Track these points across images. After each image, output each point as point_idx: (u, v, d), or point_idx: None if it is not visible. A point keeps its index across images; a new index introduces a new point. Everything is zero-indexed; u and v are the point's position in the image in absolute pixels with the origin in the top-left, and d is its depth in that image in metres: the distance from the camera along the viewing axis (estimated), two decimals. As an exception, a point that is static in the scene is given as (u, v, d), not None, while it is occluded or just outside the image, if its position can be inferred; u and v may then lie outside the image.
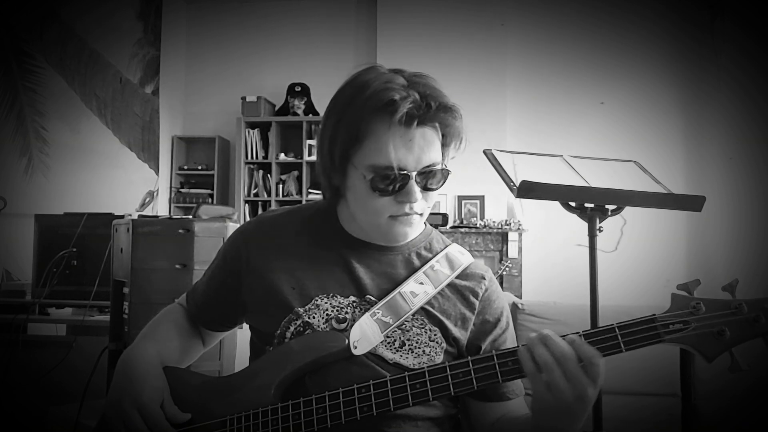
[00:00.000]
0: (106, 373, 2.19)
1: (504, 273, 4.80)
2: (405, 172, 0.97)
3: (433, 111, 0.96)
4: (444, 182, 1.02)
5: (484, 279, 1.11)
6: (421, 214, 1.03)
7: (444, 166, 1.02)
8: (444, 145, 1.02)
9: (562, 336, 0.88)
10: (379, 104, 0.95)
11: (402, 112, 0.94)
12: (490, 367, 0.91)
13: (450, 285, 1.08)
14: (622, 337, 0.88)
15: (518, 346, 0.90)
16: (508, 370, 0.90)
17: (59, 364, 2.57)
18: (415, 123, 0.96)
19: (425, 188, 1.00)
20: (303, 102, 5.57)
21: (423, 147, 0.97)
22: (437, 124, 0.99)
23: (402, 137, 0.96)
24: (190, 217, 2.26)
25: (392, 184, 0.97)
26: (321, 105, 5.56)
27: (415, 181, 0.98)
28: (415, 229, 1.05)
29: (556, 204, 1.55)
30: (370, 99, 0.95)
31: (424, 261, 1.09)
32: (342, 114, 0.99)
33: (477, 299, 1.08)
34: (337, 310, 1.03)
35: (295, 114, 5.58)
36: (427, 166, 0.99)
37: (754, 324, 0.85)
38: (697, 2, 5.21)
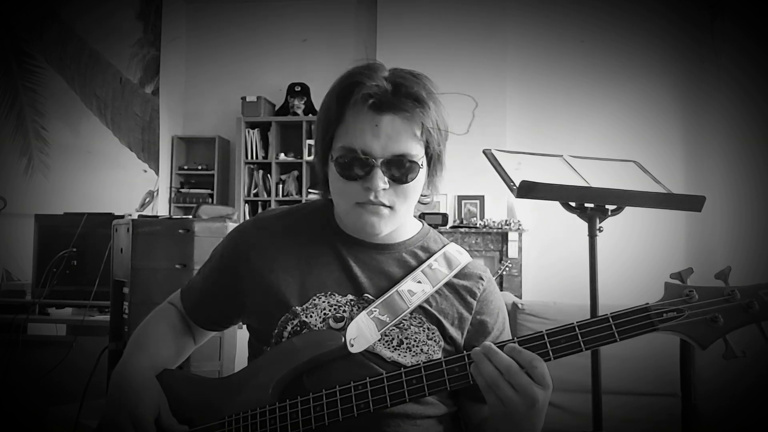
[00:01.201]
0: (106, 373, 2.19)
1: (504, 273, 4.80)
2: (370, 157, 0.97)
3: (398, 98, 0.97)
4: (416, 177, 1.00)
5: (482, 279, 1.10)
6: (391, 207, 1.01)
7: (420, 163, 1.00)
8: (428, 142, 1.01)
9: (500, 344, 0.89)
10: (345, 86, 0.99)
11: (362, 92, 0.96)
12: None
13: (448, 284, 1.08)
14: (616, 327, 0.88)
15: (539, 333, 0.91)
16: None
17: (59, 364, 2.57)
18: (381, 108, 0.97)
19: (394, 179, 0.99)
20: (303, 102, 5.57)
21: (391, 135, 0.97)
22: (410, 115, 0.98)
23: (369, 122, 0.97)
24: (190, 217, 2.26)
25: (357, 168, 0.98)
26: (321, 105, 5.56)
27: (381, 169, 0.98)
28: (385, 222, 1.02)
29: (556, 204, 1.55)
30: (341, 82, 1.00)
31: (421, 260, 1.09)
32: (324, 102, 1.03)
33: (475, 299, 1.08)
34: (334, 309, 1.03)
35: (295, 114, 5.58)
36: (396, 155, 0.98)
37: (748, 310, 0.85)
38: (697, 2, 5.20)
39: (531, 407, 0.86)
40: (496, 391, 0.87)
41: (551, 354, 0.89)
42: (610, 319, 0.88)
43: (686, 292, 0.88)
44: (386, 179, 0.98)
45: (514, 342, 0.90)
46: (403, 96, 0.97)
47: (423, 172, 1.02)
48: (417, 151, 1.00)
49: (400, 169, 0.99)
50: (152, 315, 1.21)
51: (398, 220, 1.05)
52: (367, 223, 1.01)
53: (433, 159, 1.03)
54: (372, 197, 0.99)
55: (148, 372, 1.06)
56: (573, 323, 0.89)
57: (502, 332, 1.10)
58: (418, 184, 1.02)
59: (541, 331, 0.90)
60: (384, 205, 1.00)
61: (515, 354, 0.87)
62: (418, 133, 0.99)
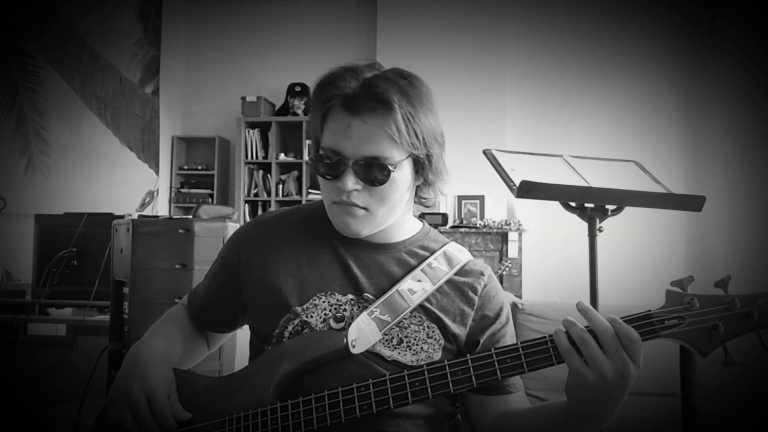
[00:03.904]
0: (106, 373, 2.19)
1: (504, 273, 4.80)
2: (342, 158, 0.98)
3: (364, 100, 0.96)
4: (386, 180, 0.99)
5: (483, 275, 1.10)
6: (365, 209, 1.01)
7: (395, 166, 0.98)
8: (410, 144, 0.99)
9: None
10: (320, 85, 1.00)
11: (332, 93, 0.98)
12: (489, 364, 0.91)
13: (449, 282, 1.08)
14: None
15: (543, 337, 0.90)
16: (507, 366, 0.90)
17: (59, 364, 2.57)
18: (352, 110, 0.97)
19: (366, 181, 0.99)
20: (303, 102, 5.57)
21: (362, 137, 0.97)
22: (378, 119, 0.97)
23: (341, 123, 0.98)
24: (190, 217, 2.26)
25: (331, 168, 1.00)
26: (321, 105, 5.55)
27: (353, 170, 0.98)
28: (360, 223, 1.02)
29: (556, 204, 1.55)
30: (319, 81, 1.01)
31: (421, 259, 1.09)
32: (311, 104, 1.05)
33: (476, 295, 1.08)
34: (335, 309, 1.03)
35: (295, 114, 5.58)
36: (367, 158, 0.98)
37: (747, 319, 0.86)
38: (697, 2, 5.21)
39: (619, 375, 0.84)
40: (585, 350, 0.85)
41: (554, 359, 0.89)
42: None
43: (687, 300, 0.88)
44: (358, 181, 0.99)
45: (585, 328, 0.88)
46: (369, 98, 0.96)
47: (403, 175, 1.01)
48: (392, 154, 0.98)
49: (369, 172, 0.99)
50: (165, 315, 1.21)
51: (377, 222, 1.04)
52: (342, 223, 1.03)
53: (421, 162, 1.02)
54: (344, 197, 1.00)
55: (163, 352, 1.07)
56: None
57: (504, 326, 1.09)
58: (395, 186, 1.01)
59: (545, 336, 0.90)
60: (357, 206, 1.01)
61: (614, 324, 0.86)
62: (396, 135, 0.97)
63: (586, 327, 0.87)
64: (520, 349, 0.90)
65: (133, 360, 1.05)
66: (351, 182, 0.98)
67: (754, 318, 0.86)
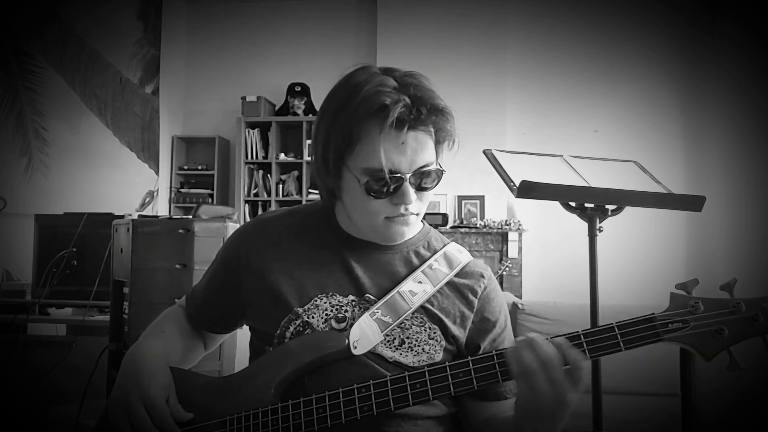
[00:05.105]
0: (106, 373, 2.19)
1: (504, 273, 4.80)
2: (398, 174, 0.97)
3: (424, 115, 0.96)
4: (438, 181, 1.02)
5: (483, 277, 1.11)
6: (417, 214, 1.03)
7: (438, 166, 1.01)
8: (437, 143, 1.02)
9: (553, 337, 0.89)
10: (370, 109, 0.94)
11: (393, 117, 0.93)
12: (490, 366, 0.91)
13: (449, 283, 1.08)
14: (621, 337, 0.88)
15: (507, 348, 0.91)
16: (508, 369, 0.90)
17: (59, 364, 2.57)
18: (407, 127, 0.95)
19: (419, 188, 1.00)
20: (303, 102, 5.57)
21: (416, 149, 0.97)
22: (435, 129, 0.99)
23: (394, 141, 0.96)
24: (190, 217, 2.26)
25: (386, 186, 0.97)
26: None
27: (410, 182, 0.98)
28: (412, 228, 1.06)
29: (556, 204, 1.55)
30: (362, 104, 0.95)
31: (423, 259, 1.09)
32: (334, 117, 0.99)
33: (476, 297, 1.08)
34: (336, 310, 1.03)
35: (295, 114, 5.58)
36: (421, 167, 0.99)
37: (753, 323, 0.85)
38: (697, 2, 5.20)
39: (559, 404, 0.86)
40: (531, 379, 0.86)
41: None
42: (616, 329, 0.88)
43: (692, 304, 0.88)
44: (413, 191, 0.99)
45: (581, 333, 0.89)
46: (427, 113, 0.96)
47: None
48: (434, 156, 1.01)
49: (426, 179, 1.00)
50: (162, 315, 1.21)
51: (420, 223, 1.10)
52: (398, 234, 1.04)
53: (439, 158, 1.04)
54: (402, 210, 1.00)
55: (161, 356, 1.06)
56: (578, 332, 0.90)
57: (504, 330, 1.10)
58: None
59: (546, 338, 0.90)
60: (413, 214, 1.02)
61: (563, 349, 0.87)
62: (435, 138, 1.00)
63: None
64: None
65: (131, 363, 1.05)
66: (412, 195, 0.99)
67: (759, 322, 0.85)
